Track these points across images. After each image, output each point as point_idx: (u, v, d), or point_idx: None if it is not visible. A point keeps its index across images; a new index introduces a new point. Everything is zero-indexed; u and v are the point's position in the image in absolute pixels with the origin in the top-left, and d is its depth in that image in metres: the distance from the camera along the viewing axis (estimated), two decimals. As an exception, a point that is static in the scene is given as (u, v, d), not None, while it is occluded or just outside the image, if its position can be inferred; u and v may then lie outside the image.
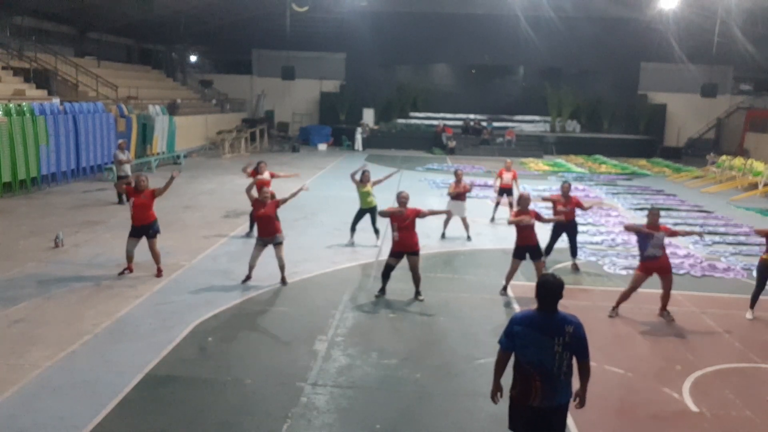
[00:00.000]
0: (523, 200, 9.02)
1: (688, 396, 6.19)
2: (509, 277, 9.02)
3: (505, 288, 9.09)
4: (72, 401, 5.67)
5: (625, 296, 8.33)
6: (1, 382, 5.94)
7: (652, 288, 8.35)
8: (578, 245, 11.10)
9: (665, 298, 8.26)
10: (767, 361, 7.11)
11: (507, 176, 14.08)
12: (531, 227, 8.90)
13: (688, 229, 13.34)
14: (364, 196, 11.52)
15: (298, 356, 6.78)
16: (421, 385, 6.28)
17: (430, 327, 7.89)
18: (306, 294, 8.92)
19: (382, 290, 8.84)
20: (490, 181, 18.63)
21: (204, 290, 8.81)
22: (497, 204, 14.17)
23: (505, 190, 14.12)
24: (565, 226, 10.24)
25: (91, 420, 5.36)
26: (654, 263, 8.10)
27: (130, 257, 9.34)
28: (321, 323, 7.75)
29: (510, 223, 8.96)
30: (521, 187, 18.84)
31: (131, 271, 9.40)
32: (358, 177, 11.59)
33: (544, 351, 4.18)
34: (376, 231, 11.68)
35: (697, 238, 12.95)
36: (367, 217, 11.64)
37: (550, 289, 4.20)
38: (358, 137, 30.95)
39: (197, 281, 9.18)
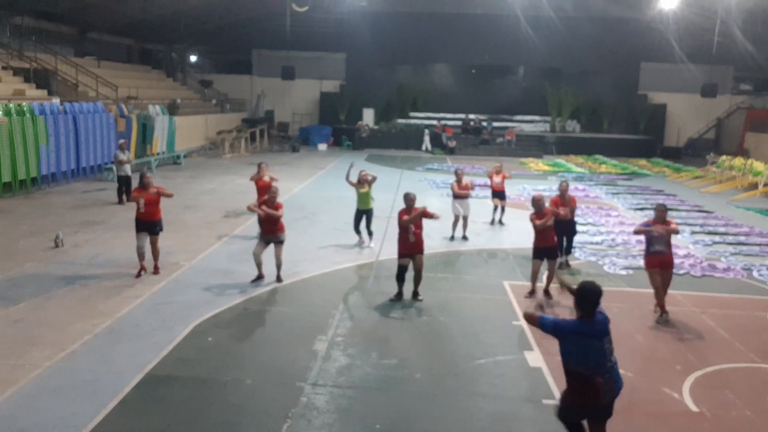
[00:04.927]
0: (538, 202, 8.96)
1: (688, 396, 6.19)
2: (534, 278, 8.98)
3: (532, 291, 8.98)
4: (72, 401, 5.67)
5: (659, 296, 8.22)
6: (1, 382, 5.94)
7: (652, 288, 8.34)
8: (578, 245, 11.11)
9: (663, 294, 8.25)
10: (767, 361, 7.11)
11: (496, 179, 13.80)
12: (551, 228, 8.93)
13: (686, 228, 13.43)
14: (363, 197, 11.45)
15: (298, 356, 6.77)
16: (421, 385, 6.28)
17: (430, 327, 7.89)
18: (306, 294, 8.92)
19: (399, 294, 8.70)
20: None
21: (204, 290, 8.81)
22: (496, 207, 14.04)
23: (496, 193, 13.93)
24: (565, 226, 10.21)
25: (91, 420, 5.36)
26: (659, 258, 8.13)
27: (142, 254, 9.29)
28: (321, 323, 7.74)
29: (539, 227, 8.89)
30: (520, 188, 18.96)
31: (145, 270, 9.36)
32: (354, 179, 11.57)
33: (599, 354, 4.49)
34: (370, 233, 11.60)
35: (697, 238, 13.00)
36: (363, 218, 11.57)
37: (592, 296, 4.51)
38: (426, 139, 30.77)
39: (197, 281, 9.18)
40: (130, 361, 6.48)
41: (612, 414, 4.67)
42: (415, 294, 8.71)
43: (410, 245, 8.52)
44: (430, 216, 8.56)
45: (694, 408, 5.97)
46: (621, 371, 6.60)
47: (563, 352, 4.57)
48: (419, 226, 8.55)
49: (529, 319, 4.75)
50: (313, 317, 7.96)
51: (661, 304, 8.19)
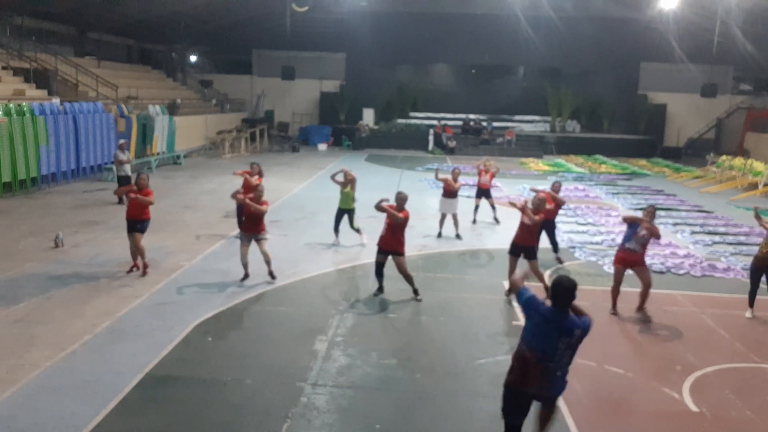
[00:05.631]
0: (539, 201, 8.96)
1: (688, 396, 6.20)
2: (510, 275, 8.96)
3: (510, 290, 9.02)
4: (72, 401, 5.66)
5: (614, 293, 8.38)
6: (1, 382, 5.94)
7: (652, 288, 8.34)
8: (578, 245, 11.05)
9: (644, 294, 8.19)
10: (767, 361, 7.11)
11: (484, 177, 13.85)
12: (536, 227, 8.85)
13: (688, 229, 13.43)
14: (346, 197, 11.54)
15: (298, 356, 6.78)
16: (421, 385, 6.28)
17: (430, 327, 7.89)
18: (306, 294, 8.92)
19: (380, 288, 8.85)
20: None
21: (204, 290, 8.81)
22: (477, 207, 13.95)
23: (482, 191, 13.94)
24: (545, 223, 10.02)
25: (91, 420, 5.36)
26: (629, 256, 8.16)
27: (134, 254, 9.42)
28: (321, 323, 7.75)
29: (517, 206, 8.91)
30: (520, 187, 18.95)
31: (137, 268, 9.46)
32: (340, 178, 11.59)
33: (549, 344, 4.45)
34: (357, 230, 11.65)
35: (697, 238, 12.99)
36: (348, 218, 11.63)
37: (564, 289, 4.45)
38: (431, 139, 30.53)
39: (197, 281, 9.18)
40: (130, 361, 6.48)
41: (552, 407, 4.71)
42: (414, 293, 8.72)
43: (382, 240, 8.62)
44: (385, 209, 8.44)
45: (694, 408, 5.97)
46: (620, 371, 6.66)
47: (525, 329, 4.67)
48: (390, 224, 8.48)
49: (514, 285, 4.90)
50: (313, 317, 7.96)
51: (614, 300, 8.35)
